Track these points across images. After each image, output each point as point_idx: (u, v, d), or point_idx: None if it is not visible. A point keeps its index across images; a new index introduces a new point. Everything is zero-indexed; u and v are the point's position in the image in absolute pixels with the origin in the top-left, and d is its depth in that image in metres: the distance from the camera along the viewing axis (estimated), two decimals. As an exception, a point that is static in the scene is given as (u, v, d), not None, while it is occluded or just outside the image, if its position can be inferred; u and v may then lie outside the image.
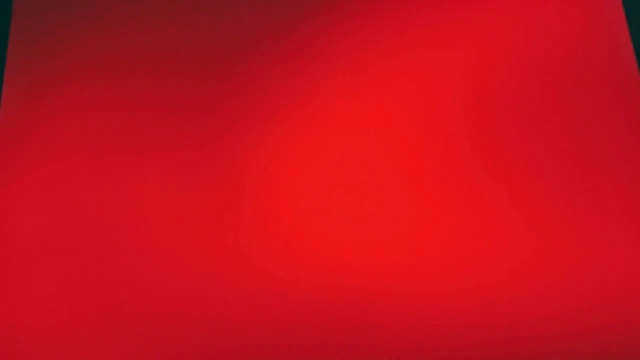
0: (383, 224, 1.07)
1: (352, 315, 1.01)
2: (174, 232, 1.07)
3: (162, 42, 1.22)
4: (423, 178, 1.10)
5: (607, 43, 1.23)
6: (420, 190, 1.10)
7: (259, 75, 1.21)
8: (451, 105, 1.16)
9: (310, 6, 1.26)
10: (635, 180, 1.11)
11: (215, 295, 1.02)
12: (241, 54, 1.22)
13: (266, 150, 1.12)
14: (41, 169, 1.12)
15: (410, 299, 1.01)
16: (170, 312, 1.01)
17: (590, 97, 1.18)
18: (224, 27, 1.24)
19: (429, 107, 1.15)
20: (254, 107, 1.16)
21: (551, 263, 1.05)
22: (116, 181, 1.11)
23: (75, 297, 1.02)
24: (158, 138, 1.14)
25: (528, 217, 1.08)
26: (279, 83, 1.20)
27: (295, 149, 1.12)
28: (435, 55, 1.23)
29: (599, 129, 1.15)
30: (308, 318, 1.01)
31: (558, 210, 1.09)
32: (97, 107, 1.16)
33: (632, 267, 1.04)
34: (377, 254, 1.05)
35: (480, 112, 1.17)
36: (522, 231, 1.07)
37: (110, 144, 1.14)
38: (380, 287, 1.03)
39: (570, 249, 1.06)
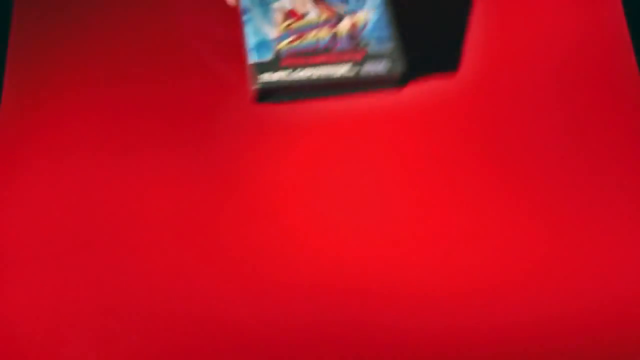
0: (388, 223, 1.07)
1: (357, 315, 1.01)
2: (176, 232, 1.07)
3: (164, 42, 1.22)
4: (426, 176, 1.10)
5: (607, 43, 1.23)
6: (424, 188, 1.10)
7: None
8: (452, 104, 1.17)
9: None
10: (635, 180, 1.11)
11: (218, 294, 1.02)
12: (242, 55, 1.22)
13: (267, 150, 1.13)
14: (41, 169, 1.13)
15: (414, 299, 1.02)
16: (172, 311, 1.01)
17: (590, 97, 1.19)
18: (225, 29, 1.25)
19: (430, 107, 1.15)
20: (256, 107, 1.16)
21: (552, 263, 1.05)
22: (117, 181, 1.12)
23: (76, 296, 1.02)
24: (159, 138, 1.14)
25: (528, 216, 1.09)
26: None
27: (297, 149, 1.12)
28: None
29: (598, 129, 1.16)
30: (310, 317, 1.01)
31: (558, 210, 1.09)
32: (98, 107, 1.16)
33: (633, 267, 1.05)
34: (383, 253, 1.05)
35: (480, 112, 1.18)
36: (524, 230, 1.08)
37: (111, 143, 1.14)
38: (385, 288, 1.04)
39: (570, 248, 1.06)
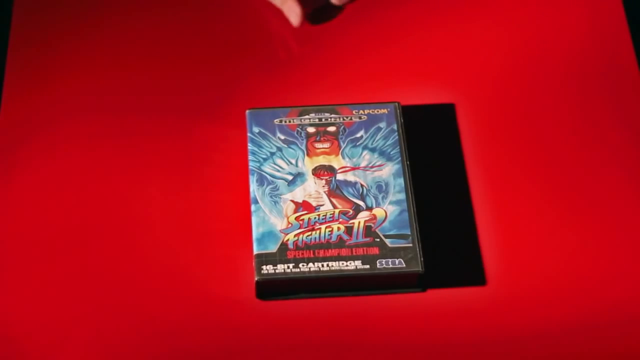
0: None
1: (360, 314, 1.01)
2: (175, 231, 1.07)
3: (164, 43, 1.21)
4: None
5: (607, 43, 1.23)
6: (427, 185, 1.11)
7: (260, 75, 1.21)
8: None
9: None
10: (634, 180, 1.11)
11: (218, 294, 1.02)
12: (241, 56, 1.22)
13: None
14: (41, 169, 1.12)
15: (415, 300, 1.02)
16: (172, 311, 1.01)
17: (589, 97, 1.19)
18: (224, 30, 1.25)
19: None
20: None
21: (551, 264, 1.05)
22: (117, 181, 1.12)
23: (75, 297, 1.03)
24: (160, 138, 1.14)
25: (525, 216, 1.09)
26: (279, 84, 1.20)
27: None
28: (435, 54, 1.23)
29: (597, 129, 1.16)
30: (309, 318, 1.01)
31: (556, 210, 1.09)
32: (98, 107, 1.15)
33: (632, 269, 1.05)
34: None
35: (479, 112, 1.18)
36: (524, 230, 1.08)
37: (111, 143, 1.14)
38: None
39: (569, 249, 1.06)
